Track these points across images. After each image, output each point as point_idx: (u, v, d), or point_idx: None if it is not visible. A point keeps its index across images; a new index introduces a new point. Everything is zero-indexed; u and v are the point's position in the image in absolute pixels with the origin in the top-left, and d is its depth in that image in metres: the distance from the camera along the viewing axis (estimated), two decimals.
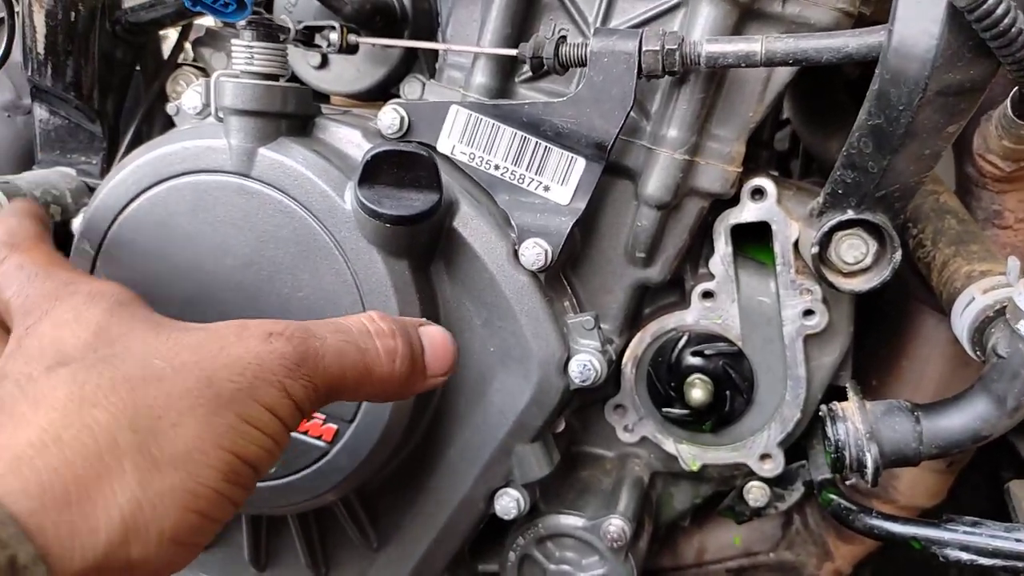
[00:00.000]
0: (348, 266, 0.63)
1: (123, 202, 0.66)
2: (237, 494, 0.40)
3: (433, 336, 0.51)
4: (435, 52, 0.75)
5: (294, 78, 0.79)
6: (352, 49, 0.70)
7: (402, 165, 0.60)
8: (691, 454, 0.79)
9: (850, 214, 0.64)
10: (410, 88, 0.80)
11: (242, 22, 0.62)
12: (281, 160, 0.63)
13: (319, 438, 0.66)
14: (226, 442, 0.39)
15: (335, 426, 0.65)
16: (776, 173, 0.84)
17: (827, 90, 0.93)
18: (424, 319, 0.55)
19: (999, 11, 0.49)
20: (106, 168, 0.84)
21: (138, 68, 0.87)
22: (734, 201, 0.73)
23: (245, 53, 0.62)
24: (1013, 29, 0.49)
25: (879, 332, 0.87)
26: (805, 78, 0.94)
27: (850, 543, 0.91)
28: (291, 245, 0.63)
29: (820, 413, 0.68)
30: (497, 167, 0.66)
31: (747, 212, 0.73)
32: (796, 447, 0.81)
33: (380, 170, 0.60)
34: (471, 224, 0.65)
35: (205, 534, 0.39)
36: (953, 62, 0.54)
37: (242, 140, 0.63)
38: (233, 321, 0.44)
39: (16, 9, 0.82)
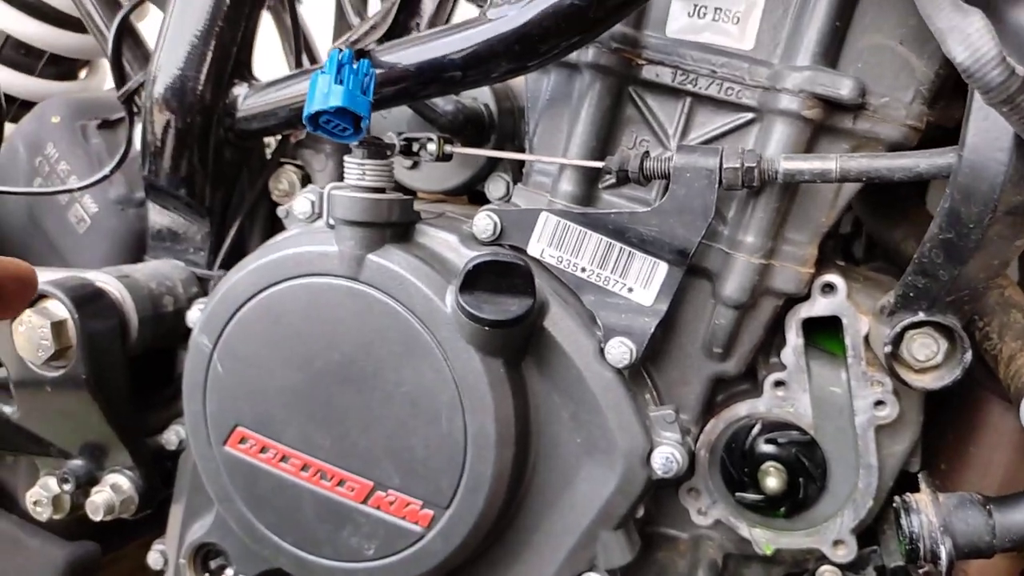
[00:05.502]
0: (447, 363, 0.68)
1: (240, 301, 0.72)
2: None
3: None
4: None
5: None
6: (447, 157, 0.76)
7: (500, 273, 0.66)
8: (765, 538, 0.82)
9: (921, 316, 0.68)
10: (495, 186, 0.86)
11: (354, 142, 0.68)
12: (387, 266, 0.68)
13: (415, 523, 0.70)
14: None
15: (431, 512, 0.70)
16: (842, 262, 0.88)
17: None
18: None
19: None
20: (212, 259, 0.90)
21: None
22: (805, 295, 0.77)
23: (357, 170, 0.69)
24: None
25: (948, 418, 0.89)
26: None
27: None
28: (395, 343, 0.69)
29: (894, 504, 0.71)
30: (584, 269, 0.71)
31: (818, 307, 0.76)
32: (867, 531, 0.83)
33: (480, 277, 0.66)
34: (560, 324, 0.70)
35: None
36: (1020, 184, 0.57)
37: (352, 248, 0.69)
38: None
39: (136, 109, 0.90)
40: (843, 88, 0.65)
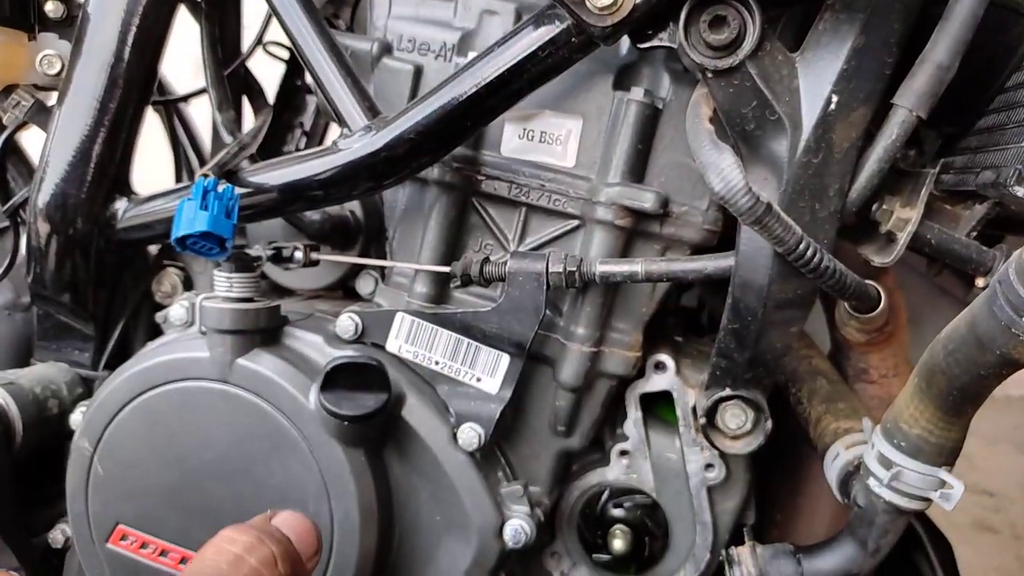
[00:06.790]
0: (313, 456, 0.75)
1: (118, 406, 0.78)
2: None
3: (288, 521, 0.56)
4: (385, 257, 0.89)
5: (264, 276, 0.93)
6: (314, 263, 0.84)
7: (357, 372, 0.73)
8: None
9: (728, 391, 0.78)
10: (363, 283, 0.94)
11: None
12: (256, 369, 0.75)
13: None
14: None
15: None
16: (681, 336, 0.99)
17: None
18: (270, 511, 0.62)
19: (808, 253, 0.64)
20: (97, 360, 0.95)
21: None
22: (642, 372, 0.87)
23: (225, 282, 0.76)
24: (822, 265, 0.65)
25: (779, 474, 1.00)
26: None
27: None
28: (264, 440, 0.75)
29: (721, 558, 0.80)
30: (437, 363, 0.79)
31: (652, 383, 0.86)
32: None
33: (339, 376, 0.73)
34: (416, 413, 0.78)
35: None
36: (784, 282, 0.69)
37: (223, 354, 0.75)
38: None
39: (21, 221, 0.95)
40: (647, 201, 0.76)
